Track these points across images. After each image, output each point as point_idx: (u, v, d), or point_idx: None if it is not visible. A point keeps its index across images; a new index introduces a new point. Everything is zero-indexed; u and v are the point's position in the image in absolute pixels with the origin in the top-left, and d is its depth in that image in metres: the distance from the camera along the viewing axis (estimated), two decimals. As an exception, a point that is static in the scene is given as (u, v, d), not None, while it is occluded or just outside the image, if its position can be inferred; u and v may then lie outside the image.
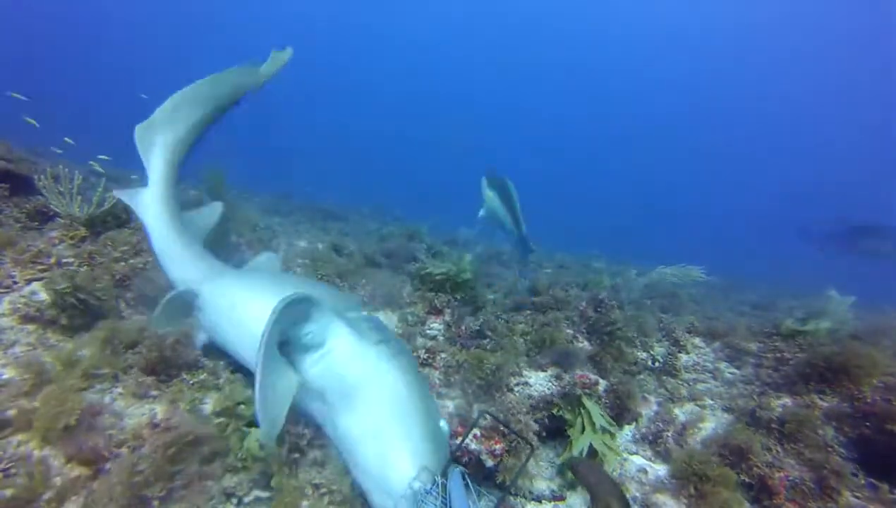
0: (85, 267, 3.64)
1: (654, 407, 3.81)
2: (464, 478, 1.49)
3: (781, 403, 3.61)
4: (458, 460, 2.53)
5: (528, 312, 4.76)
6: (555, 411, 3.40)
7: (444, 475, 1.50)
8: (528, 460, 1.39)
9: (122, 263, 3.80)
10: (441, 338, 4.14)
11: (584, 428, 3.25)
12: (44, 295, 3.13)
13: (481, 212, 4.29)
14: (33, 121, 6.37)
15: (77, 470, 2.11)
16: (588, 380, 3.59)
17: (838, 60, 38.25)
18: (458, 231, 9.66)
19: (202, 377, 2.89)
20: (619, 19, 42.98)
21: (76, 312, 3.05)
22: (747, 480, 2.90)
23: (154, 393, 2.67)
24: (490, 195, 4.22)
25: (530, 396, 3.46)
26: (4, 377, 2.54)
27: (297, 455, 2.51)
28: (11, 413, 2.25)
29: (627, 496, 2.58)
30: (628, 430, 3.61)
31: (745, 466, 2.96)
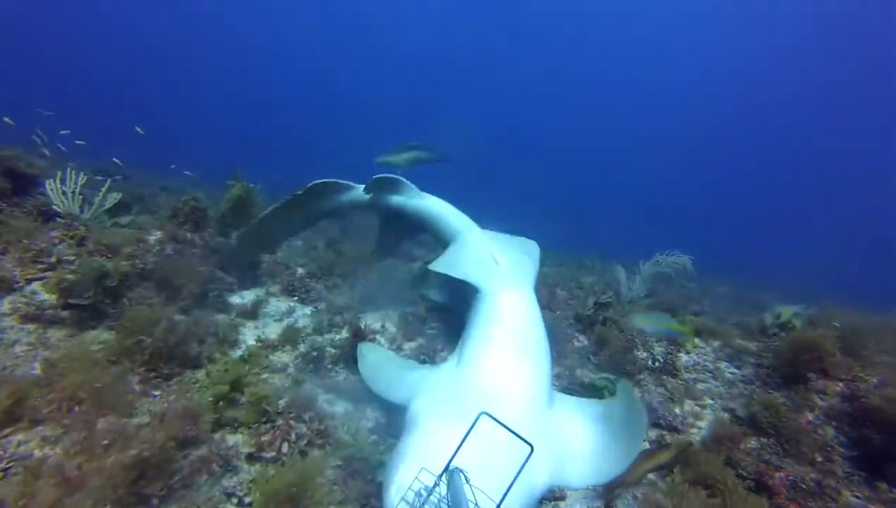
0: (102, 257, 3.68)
1: (654, 407, 3.80)
2: (464, 478, 1.50)
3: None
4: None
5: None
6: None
7: (444, 475, 1.51)
8: (526, 461, 1.39)
9: (126, 262, 3.80)
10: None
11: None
12: (44, 295, 3.14)
13: (405, 167, 4.52)
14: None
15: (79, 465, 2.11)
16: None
17: (837, 58, 38.15)
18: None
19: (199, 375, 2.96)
20: (611, 17, 42.99)
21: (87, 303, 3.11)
22: (742, 473, 2.90)
23: (156, 392, 2.69)
24: (393, 158, 4.45)
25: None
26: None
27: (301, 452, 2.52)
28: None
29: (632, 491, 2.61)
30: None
31: (733, 452, 3.00)
